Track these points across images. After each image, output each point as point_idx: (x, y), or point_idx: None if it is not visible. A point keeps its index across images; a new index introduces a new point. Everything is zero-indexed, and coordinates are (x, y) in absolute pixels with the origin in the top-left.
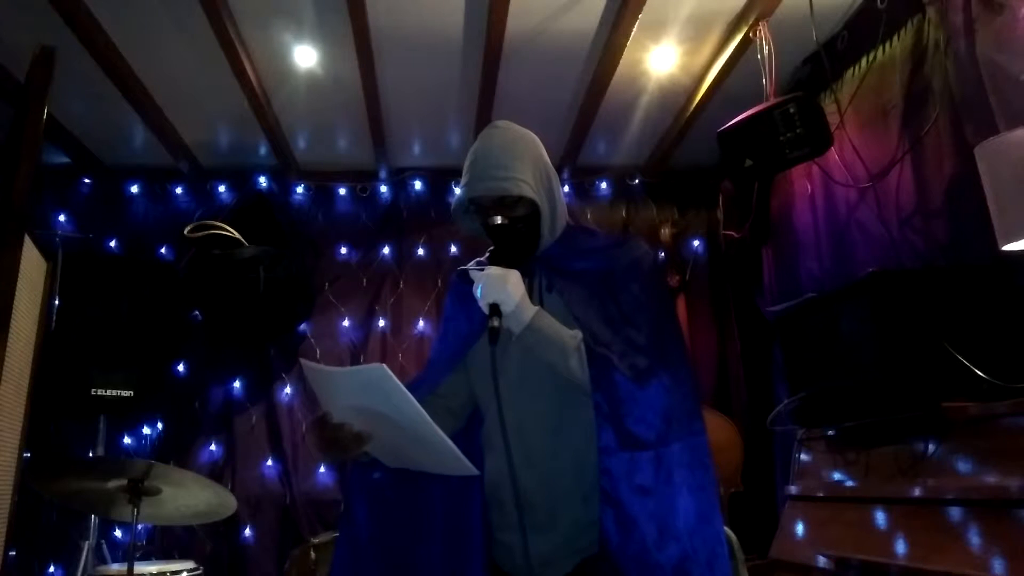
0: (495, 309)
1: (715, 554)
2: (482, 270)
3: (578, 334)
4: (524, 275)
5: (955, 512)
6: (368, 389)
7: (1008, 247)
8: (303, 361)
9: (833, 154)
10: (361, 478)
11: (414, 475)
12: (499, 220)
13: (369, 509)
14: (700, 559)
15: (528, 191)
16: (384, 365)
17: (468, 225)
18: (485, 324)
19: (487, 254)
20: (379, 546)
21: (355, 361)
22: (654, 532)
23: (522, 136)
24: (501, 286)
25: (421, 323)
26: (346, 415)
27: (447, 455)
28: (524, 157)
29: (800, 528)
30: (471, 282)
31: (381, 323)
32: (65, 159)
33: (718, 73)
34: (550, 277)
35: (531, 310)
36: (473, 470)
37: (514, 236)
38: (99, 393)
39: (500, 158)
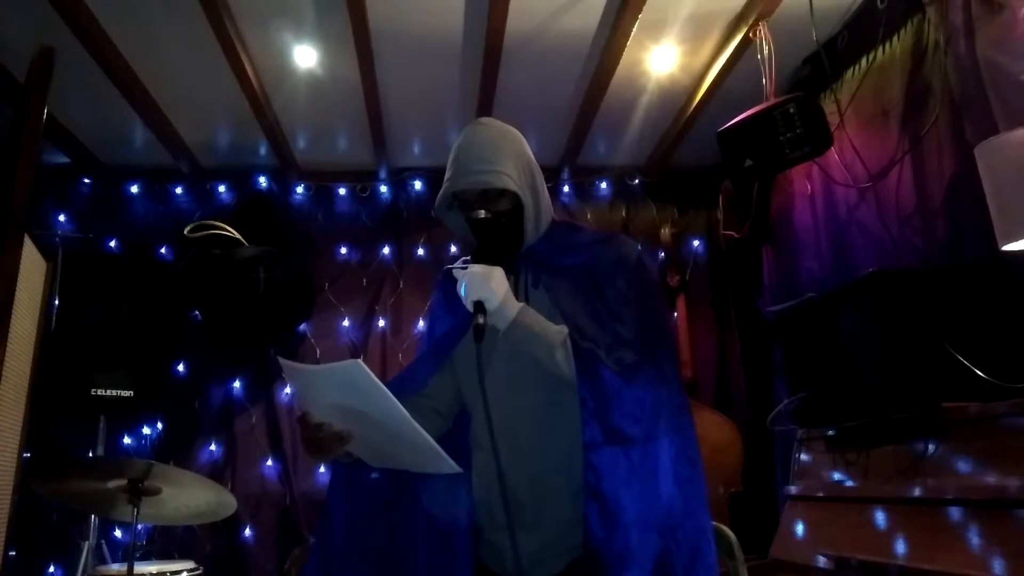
0: (479, 307)
1: (699, 550)
2: (466, 268)
3: (564, 329)
4: (510, 271)
5: (955, 512)
6: (345, 386)
7: (1008, 247)
8: (281, 360)
9: (833, 154)
10: (342, 478)
11: (399, 476)
12: (482, 214)
13: (347, 510)
14: (684, 554)
15: (510, 184)
16: (359, 360)
17: (453, 221)
18: (470, 322)
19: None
20: (357, 547)
21: None
22: (638, 527)
23: (504, 131)
24: (484, 283)
25: (421, 323)
26: (326, 414)
27: (428, 452)
28: (506, 151)
29: (800, 528)
30: (457, 281)
31: (381, 323)
32: (65, 159)
33: (718, 73)
34: (536, 273)
35: (515, 306)
36: (455, 468)
37: (498, 231)
38: (99, 393)
39: (482, 152)
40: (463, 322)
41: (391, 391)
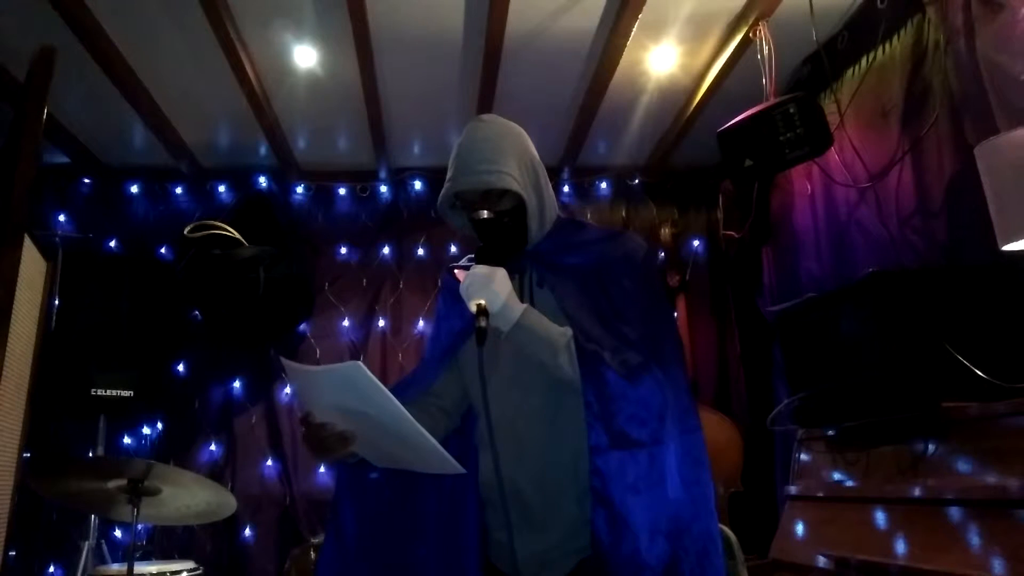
0: (482, 309)
1: (706, 552)
2: (470, 266)
3: (568, 331)
4: (514, 271)
5: (955, 512)
6: (347, 388)
7: (1008, 247)
8: (284, 360)
9: (833, 154)
10: (349, 478)
11: (406, 475)
12: (484, 214)
13: (357, 509)
14: (691, 557)
15: (513, 184)
16: (359, 363)
17: (456, 221)
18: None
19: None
20: (368, 546)
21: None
22: (646, 532)
23: (507, 129)
24: (486, 285)
25: (421, 323)
26: (329, 415)
27: (431, 453)
28: (508, 150)
29: (800, 528)
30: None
31: (381, 323)
32: (65, 159)
33: (718, 73)
34: (541, 272)
35: (518, 308)
36: (459, 469)
37: (501, 231)
38: (99, 393)
39: (484, 152)
40: (467, 323)
41: (398, 391)
